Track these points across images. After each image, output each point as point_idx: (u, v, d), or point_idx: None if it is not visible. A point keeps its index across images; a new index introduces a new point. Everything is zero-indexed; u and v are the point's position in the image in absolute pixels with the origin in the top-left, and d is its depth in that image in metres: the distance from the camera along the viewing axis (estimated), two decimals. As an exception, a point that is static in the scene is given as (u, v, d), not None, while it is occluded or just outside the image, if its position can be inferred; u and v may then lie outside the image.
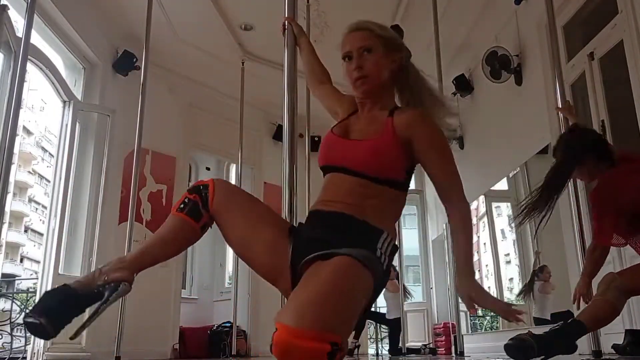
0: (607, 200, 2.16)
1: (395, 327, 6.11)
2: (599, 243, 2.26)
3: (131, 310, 3.63)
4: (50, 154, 28.87)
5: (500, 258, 6.13)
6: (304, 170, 4.84)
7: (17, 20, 3.62)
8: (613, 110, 3.74)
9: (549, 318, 4.82)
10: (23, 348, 4.77)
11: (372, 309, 5.74)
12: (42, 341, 4.28)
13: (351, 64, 1.47)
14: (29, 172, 30.42)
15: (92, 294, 1.27)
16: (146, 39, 3.90)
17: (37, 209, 30.79)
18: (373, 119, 1.45)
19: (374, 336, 7.75)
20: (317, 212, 1.40)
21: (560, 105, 2.91)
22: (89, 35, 4.98)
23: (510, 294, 6.16)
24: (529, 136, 4.80)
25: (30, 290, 6.57)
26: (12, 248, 28.55)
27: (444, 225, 5.60)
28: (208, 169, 7.72)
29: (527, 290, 5.29)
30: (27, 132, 29.76)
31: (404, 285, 5.70)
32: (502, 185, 6.06)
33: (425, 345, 7.05)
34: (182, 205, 1.35)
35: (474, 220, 7.16)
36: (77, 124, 4.95)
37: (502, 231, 6.40)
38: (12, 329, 5.08)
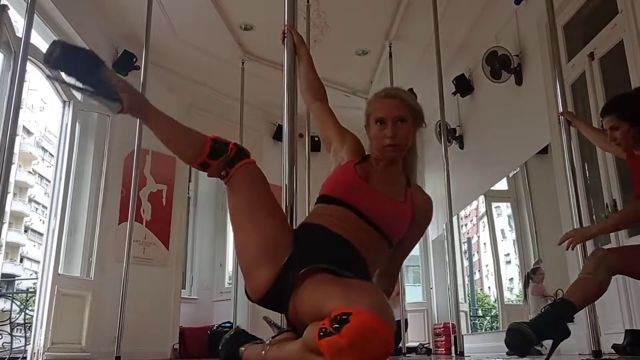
0: None
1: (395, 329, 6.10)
2: None
3: (131, 311, 3.62)
4: (50, 154, 28.86)
5: (500, 258, 6.13)
6: (304, 170, 4.83)
7: (17, 20, 3.62)
8: (613, 110, 3.73)
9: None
10: (23, 348, 4.78)
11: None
12: (42, 341, 4.28)
13: (383, 129, 1.54)
14: (29, 172, 30.42)
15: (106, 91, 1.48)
16: (146, 39, 3.90)
17: (37, 209, 30.79)
18: (392, 179, 1.57)
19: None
20: (332, 233, 1.44)
21: (561, 110, 2.91)
22: (89, 35, 4.97)
23: (511, 294, 6.17)
24: (529, 136, 4.80)
25: (30, 290, 6.57)
26: (12, 248, 28.54)
27: (444, 225, 5.60)
28: (208, 169, 7.71)
29: (524, 293, 5.30)
30: (27, 132, 29.76)
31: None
32: (502, 185, 6.06)
33: (422, 344, 7.04)
34: (218, 144, 1.45)
35: (474, 220, 7.16)
36: (77, 124, 4.95)
37: (502, 231, 6.41)
38: (12, 329, 5.08)
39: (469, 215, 7.08)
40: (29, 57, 2.89)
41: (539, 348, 3.70)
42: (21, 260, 29.61)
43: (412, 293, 8.01)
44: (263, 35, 5.51)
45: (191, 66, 6.14)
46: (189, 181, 7.06)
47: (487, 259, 6.40)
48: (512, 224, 6.24)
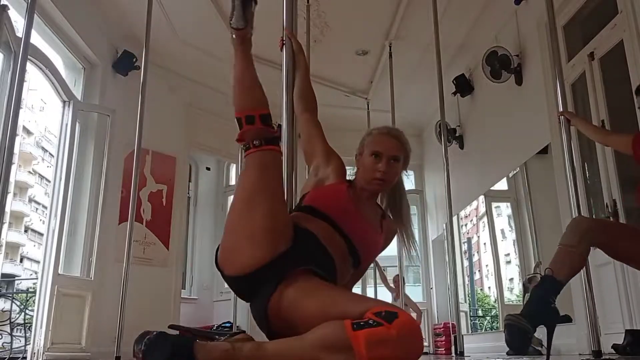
0: None
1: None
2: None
3: (131, 311, 3.62)
4: (50, 154, 28.86)
5: (501, 258, 6.13)
6: (304, 170, 4.82)
7: (17, 20, 3.62)
8: (613, 110, 3.74)
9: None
10: (23, 348, 4.78)
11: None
12: (42, 341, 4.28)
13: (377, 162, 1.62)
14: (29, 172, 30.42)
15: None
16: (146, 39, 3.90)
17: (37, 209, 30.79)
18: (373, 209, 1.67)
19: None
20: (322, 245, 1.45)
21: (561, 109, 2.91)
22: (89, 35, 4.98)
23: (511, 294, 6.16)
24: (529, 136, 4.80)
25: (30, 290, 6.57)
26: (12, 248, 28.55)
27: (444, 225, 5.60)
28: (208, 169, 7.72)
29: (523, 296, 5.29)
30: (27, 132, 29.76)
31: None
32: (502, 185, 6.05)
33: (420, 343, 7.03)
34: (271, 117, 1.58)
35: (474, 220, 7.16)
36: (77, 124, 4.95)
37: (502, 231, 6.40)
38: (12, 329, 5.08)
39: (469, 215, 7.08)
40: (29, 57, 2.89)
41: (539, 348, 3.71)
42: (21, 260, 29.61)
43: (412, 293, 7.99)
44: (263, 35, 5.49)
45: (191, 66, 6.14)
46: (189, 181, 7.07)
47: (487, 259, 6.40)
48: (512, 224, 6.24)
